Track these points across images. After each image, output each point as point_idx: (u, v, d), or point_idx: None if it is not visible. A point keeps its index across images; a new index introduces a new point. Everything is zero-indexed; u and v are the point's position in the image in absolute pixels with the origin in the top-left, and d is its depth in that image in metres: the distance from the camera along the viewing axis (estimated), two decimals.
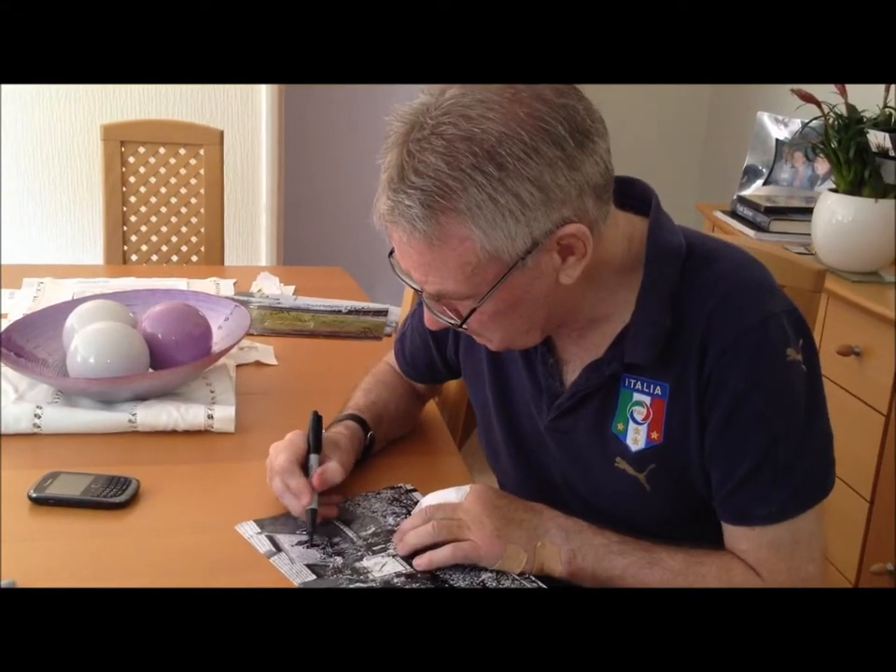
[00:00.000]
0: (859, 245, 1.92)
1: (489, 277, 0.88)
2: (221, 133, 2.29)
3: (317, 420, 1.09)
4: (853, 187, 1.93)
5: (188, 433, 1.26)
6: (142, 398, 1.31)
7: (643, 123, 3.26)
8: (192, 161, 2.29)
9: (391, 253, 0.94)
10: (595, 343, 0.99)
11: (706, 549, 0.96)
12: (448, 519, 0.99)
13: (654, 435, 0.96)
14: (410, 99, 0.89)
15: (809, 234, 2.04)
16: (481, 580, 0.96)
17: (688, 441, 0.94)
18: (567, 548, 0.96)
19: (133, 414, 1.26)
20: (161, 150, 2.28)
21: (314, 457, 1.06)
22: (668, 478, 0.97)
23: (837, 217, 1.93)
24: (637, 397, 0.96)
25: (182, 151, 2.28)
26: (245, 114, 2.97)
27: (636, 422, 0.96)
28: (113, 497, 1.07)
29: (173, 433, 1.26)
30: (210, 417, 1.28)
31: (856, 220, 1.91)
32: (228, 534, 1.03)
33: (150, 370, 1.36)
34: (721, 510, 0.96)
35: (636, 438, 0.96)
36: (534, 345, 1.00)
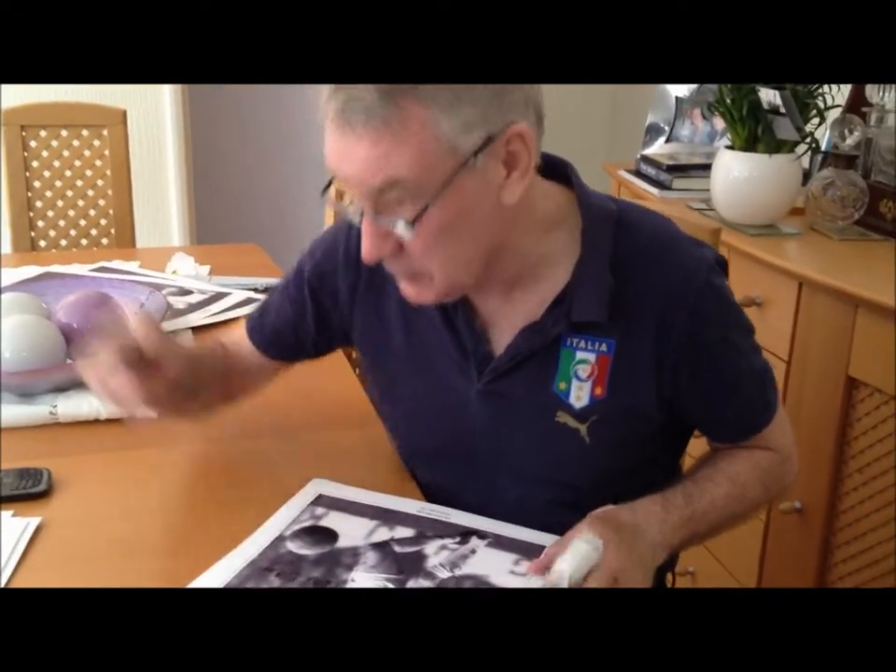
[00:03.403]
0: (756, 200, 2.00)
1: (442, 175, 0.86)
2: (124, 113, 2.26)
3: None
4: (748, 143, 2.01)
5: (110, 421, 1.27)
6: (61, 389, 1.31)
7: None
8: (96, 143, 2.26)
9: (327, 187, 0.95)
10: (530, 305, 1.00)
11: (713, 464, 1.05)
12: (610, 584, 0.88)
13: (598, 391, 1.00)
14: None
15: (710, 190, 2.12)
16: None
17: (635, 392, 0.99)
18: (668, 544, 0.96)
19: (54, 406, 1.27)
20: (64, 133, 2.24)
21: None
22: (609, 430, 1.01)
23: (734, 173, 2.01)
24: (580, 355, 0.99)
25: (85, 133, 2.25)
26: (146, 89, 2.92)
27: (579, 379, 1.00)
28: (32, 489, 1.08)
29: (95, 422, 1.27)
30: None
31: (751, 176, 1.98)
32: (156, 519, 1.05)
33: (68, 360, 1.36)
34: (726, 435, 1.07)
35: (579, 395, 1.00)
36: (471, 289, 0.99)
